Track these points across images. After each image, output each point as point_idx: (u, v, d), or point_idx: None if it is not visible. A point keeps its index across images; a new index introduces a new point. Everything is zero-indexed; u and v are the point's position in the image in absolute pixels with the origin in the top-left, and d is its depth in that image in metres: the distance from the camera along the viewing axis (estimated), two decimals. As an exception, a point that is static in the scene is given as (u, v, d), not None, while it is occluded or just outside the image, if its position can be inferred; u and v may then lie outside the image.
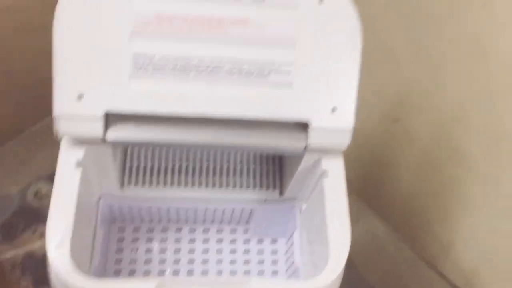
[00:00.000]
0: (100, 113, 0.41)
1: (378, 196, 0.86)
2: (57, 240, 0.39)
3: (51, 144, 0.83)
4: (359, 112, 0.44)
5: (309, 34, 0.43)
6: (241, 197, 0.55)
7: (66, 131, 0.42)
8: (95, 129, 0.42)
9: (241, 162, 0.56)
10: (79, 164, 0.43)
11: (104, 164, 0.47)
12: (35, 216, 0.73)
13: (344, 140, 0.45)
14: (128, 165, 0.54)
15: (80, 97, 0.41)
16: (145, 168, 0.54)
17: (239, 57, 0.42)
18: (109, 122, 0.43)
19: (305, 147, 0.45)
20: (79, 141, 0.44)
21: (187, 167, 0.55)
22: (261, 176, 0.56)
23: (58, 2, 0.40)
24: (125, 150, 0.54)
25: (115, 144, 0.44)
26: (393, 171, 0.82)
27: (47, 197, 0.73)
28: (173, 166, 0.55)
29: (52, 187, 0.73)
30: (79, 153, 0.43)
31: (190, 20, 0.41)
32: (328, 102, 0.44)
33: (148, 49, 0.41)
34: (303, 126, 0.46)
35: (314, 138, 0.44)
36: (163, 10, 0.41)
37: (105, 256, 0.55)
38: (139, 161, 0.54)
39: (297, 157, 0.49)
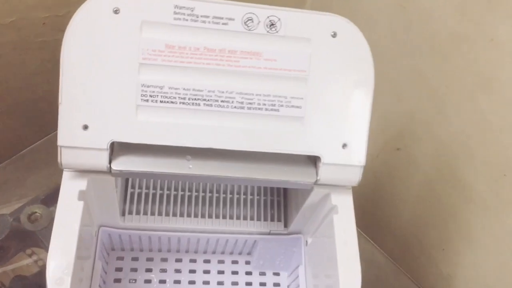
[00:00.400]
0: (105, 144, 0.40)
1: (378, 225, 0.85)
2: (58, 277, 0.38)
3: (45, 166, 0.82)
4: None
5: (322, 68, 0.42)
6: (245, 229, 0.53)
7: (70, 162, 0.40)
8: (100, 160, 0.41)
9: (245, 193, 0.55)
10: (81, 196, 0.42)
11: (106, 194, 0.46)
12: (27, 239, 0.71)
13: (355, 177, 0.44)
14: (129, 192, 0.52)
15: (85, 127, 0.40)
16: (146, 196, 0.53)
17: (250, 90, 0.41)
18: (114, 152, 0.41)
19: (315, 182, 0.44)
20: (83, 172, 0.42)
21: (189, 196, 0.54)
22: (265, 207, 0.55)
23: (66, 31, 0.39)
24: (127, 178, 0.53)
25: (117, 175, 0.42)
26: (394, 200, 0.81)
27: (41, 220, 0.71)
28: (176, 195, 0.53)
29: (46, 210, 0.71)
30: (81, 184, 0.42)
31: (201, 51, 0.40)
32: (339, 138, 0.43)
33: (157, 80, 0.40)
34: (313, 160, 0.45)
35: (325, 174, 0.43)
36: (173, 40, 0.40)
37: (104, 287, 0.53)
38: (141, 188, 0.53)
39: (304, 191, 0.48)
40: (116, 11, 0.39)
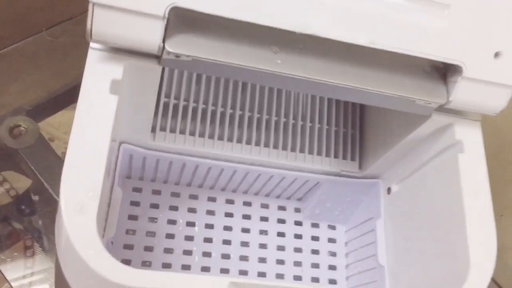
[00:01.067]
0: (163, 9, 0.26)
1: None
2: (80, 200, 0.24)
3: (34, 71, 0.66)
4: None
5: None
6: (308, 166, 0.41)
7: (105, 31, 0.26)
8: (151, 34, 0.27)
9: (312, 119, 0.42)
10: (115, 88, 0.28)
11: (145, 93, 0.32)
12: (4, 158, 0.57)
13: (501, 102, 0.31)
14: (162, 103, 0.38)
15: (135, -20, 0.26)
16: (185, 109, 0.39)
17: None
18: (168, 30, 0.27)
19: (441, 105, 0.31)
20: (118, 52, 0.28)
21: (241, 116, 0.40)
22: (336, 140, 0.42)
23: None
24: (160, 81, 0.39)
25: (169, 64, 0.29)
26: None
27: (25, 136, 0.56)
28: (223, 112, 0.40)
29: (33, 125, 0.57)
30: (116, 71, 0.28)
31: None
32: (492, 44, 0.30)
33: None
34: (442, 74, 0.32)
35: (461, 94, 0.31)
36: None
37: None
38: (178, 99, 0.39)
39: (411, 119, 0.35)
40: None
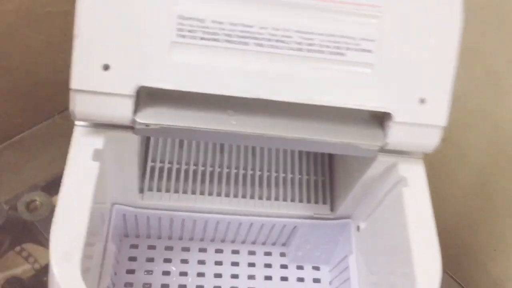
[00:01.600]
0: (131, 89, 0.32)
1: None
2: (65, 249, 0.29)
3: (46, 151, 0.73)
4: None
5: (400, 4, 0.34)
6: (283, 211, 0.45)
7: (85, 111, 0.32)
8: (123, 110, 0.32)
9: (284, 171, 0.47)
10: (97, 156, 0.33)
11: (126, 159, 0.37)
12: (24, 231, 0.63)
13: (432, 141, 0.36)
14: (149, 167, 0.44)
15: (106, 67, 0.32)
16: (169, 172, 0.44)
17: (311, 28, 0.33)
18: (139, 103, 0.33)
19: (382, 146, 0.36)
20: (99, 127, 0.34)
21: (219, 173, 0.45)
22: (308, 187, 0.46)
23: None
24: (146, 148, 0.45)
25: (142, 133, 0.34)
26: (437, 196, 0.73)
27: (41, 209, 0.62)
28: (204, 171, 0.45)
29: (47, 199, 0.63)
30: (97, 142, 0.34)
31: (251, -22, 0.33)
32: (417, 91, 0.35)
33: (197, 11, 0.32)
34: (378, 121, 0.37)
35: (396, 136, 0.35)
36: (218, -38, 0.32)
37: (114, 278, 0.45)
38: (162, 163, 0.45)
39: (362, 162, 0.40)
40: None
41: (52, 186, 0.65)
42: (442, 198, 0.72)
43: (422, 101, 0.35)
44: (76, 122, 0.34)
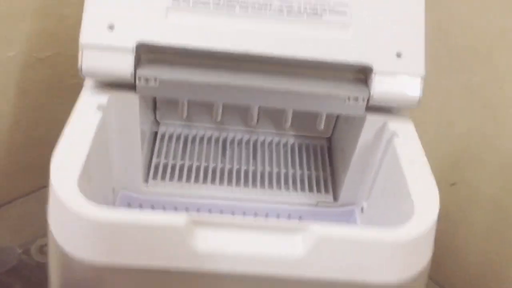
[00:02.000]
0: (132, 44, 0.36)
1: (440, 271, 0.73)
2: (64, 166, 0.31)
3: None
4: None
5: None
6: (288, 200, 0.45)
7: (92, 65, 0.36)
8: (125, 63, 0.36)
9: (285, 166, 0.48)
10: (100, 108, 0.36)
11: (128, 129, 0.40)
12: (34, 276, 0.62)
13: (415, 91, 0.38)
14: (154, 161, 0.46)
15: (111, 27, 0.36)
16: (173, 165, 0.46)
17: (289, -5, 0.38)
18: (140, 62, 0.37)
19: (368, 103, 0.38)
20: (104, 87, 0.38)
21: (222, 169, 0.47)
22: (309, 180, 0.47)
23: None
24: (152, 145, 0.47)
25: (143, 91, 0.37)
26: (457, 241, 0.70)
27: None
28: (206, 167, 0.47)
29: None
30: (102, 98, 0.37)
31: (236, -41, 0.39)
32: (392, 46, 0.38)
33: (190, -18, 0.38)
34: (363, 79, 0.39)
35: (379, 87, 0.38)
36: None
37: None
38: (167, 159, 0.47)
39: (355, 128, 0.41)
40: None
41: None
42: (463, 239, 0.69)
43: (398, 55, 0.38)
44: (84, 83, 0.38)
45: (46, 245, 0.63)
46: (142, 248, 0.29)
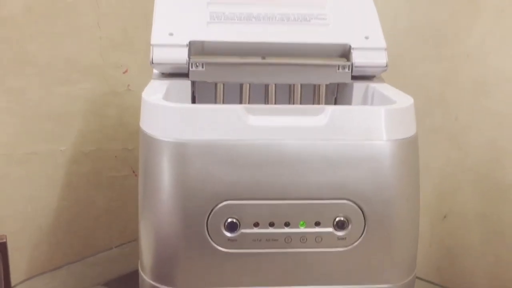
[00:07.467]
0: (186, 41, 0.53)
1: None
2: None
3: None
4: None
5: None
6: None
7: (159, 57, 0.53)
8: (182, 54, 0.53)
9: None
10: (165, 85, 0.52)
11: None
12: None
13: (382, 59, 0.55)
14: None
15: (171, 34, 0.54)
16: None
17: (287, 11, 0.57)
18: (190, 55, 0.54)
19: (352, 71, 0.54)
20: (166, 77, 0.53)
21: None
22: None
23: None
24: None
25: (194, 76, 0.53)
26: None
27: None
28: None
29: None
30: (165, 83, 0.53)
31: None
32: (361, 32, 0.56)
33: (221, 10, 0.57)
34: (346, 57, 0.56)
35: (357, 57, 0.54)
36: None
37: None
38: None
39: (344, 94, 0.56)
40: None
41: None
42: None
43: (366, 37, 0.56)
44: (153, 75, 0.54)
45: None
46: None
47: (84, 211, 0.84)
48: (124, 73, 0.82)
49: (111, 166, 0.88)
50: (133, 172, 0.89)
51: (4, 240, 0.61)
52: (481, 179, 0.73)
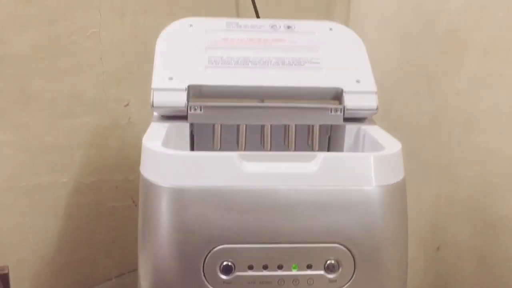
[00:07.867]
0: (185, 86, 0.56)
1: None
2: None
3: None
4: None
5: (327, 43, 0.61)
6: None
7: (159, 100, 0.55)
8: (181, 97, 0.55)
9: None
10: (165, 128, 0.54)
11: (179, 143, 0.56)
12: None
13: (373, 100, 0.57)
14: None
15: (170, 78, 0.56)
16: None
17: (281, 56, 0.60)
18: (190, 102, 0.56)
19: (344, 114, 0.56)
20: (165, 119, 0.56)
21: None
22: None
23: (161, 33, 0.61)
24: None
25: (193, 118, 0.55)
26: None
27: None
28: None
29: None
30: (165, 124, 0.55)
31: (245, 41, 0.61)
32: (353, 77, 0.58)
33: (218, 54, 0.59)
34: (338, 100, 0.58)
35: (349, 100, 0.57)
36: (226, 36, 0.61)
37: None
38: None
39: (339, 143, 0.58)
40: (190, 26, 0.62)
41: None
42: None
43: (358, 81, 0.58)
44: (153, 118, 0.56)
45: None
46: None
47: (85, 241, 0.86)
48: (125, 106, 0.85)
49: (112, 196, 0.90)
50: (133, 201, 0.91)
51: (6, 272, 0.63)
52: (472, 212, 0.75)
